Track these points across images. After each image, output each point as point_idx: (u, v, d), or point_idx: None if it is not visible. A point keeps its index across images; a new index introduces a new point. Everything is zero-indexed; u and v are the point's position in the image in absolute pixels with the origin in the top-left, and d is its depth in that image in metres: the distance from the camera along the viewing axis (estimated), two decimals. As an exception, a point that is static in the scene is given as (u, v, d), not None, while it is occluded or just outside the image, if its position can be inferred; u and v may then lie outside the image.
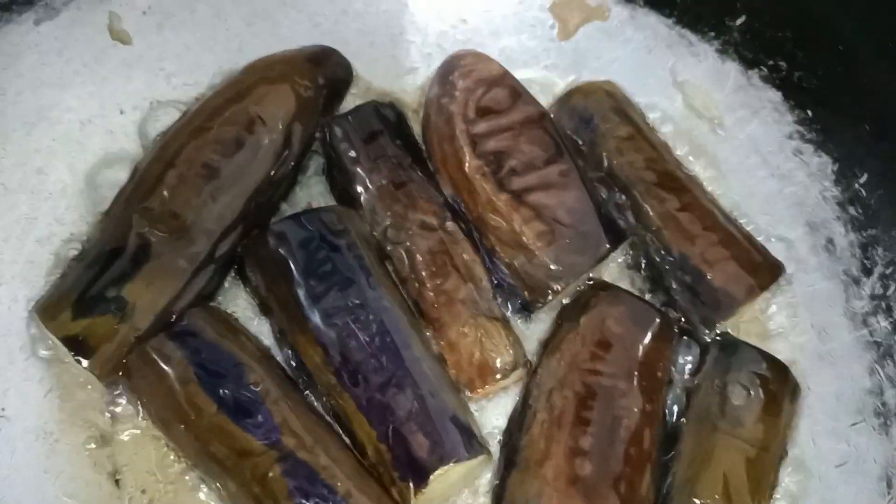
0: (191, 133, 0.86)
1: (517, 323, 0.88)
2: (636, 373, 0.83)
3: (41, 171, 0.87)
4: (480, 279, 0.87)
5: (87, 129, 0.90)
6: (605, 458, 0.79)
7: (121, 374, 0.80)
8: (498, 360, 0.84)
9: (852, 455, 0.86)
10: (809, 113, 0.94)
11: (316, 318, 0.80)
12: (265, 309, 0.86)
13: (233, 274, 0.87)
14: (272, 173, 0.86)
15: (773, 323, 0.91)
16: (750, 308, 0.89)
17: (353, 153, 0.89)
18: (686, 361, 0.88)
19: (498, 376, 0.84)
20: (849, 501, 0.85)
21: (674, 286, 0.88)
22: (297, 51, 0.93)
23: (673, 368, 0.87)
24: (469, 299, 0.85)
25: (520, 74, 0.94)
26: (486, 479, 0.83)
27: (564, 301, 0.89)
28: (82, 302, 0.79)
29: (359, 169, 0.88)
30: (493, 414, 0.86)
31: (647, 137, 0.93)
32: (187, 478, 0.81)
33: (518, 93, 0.92)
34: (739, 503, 0.79)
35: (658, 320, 0.86)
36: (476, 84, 0.91)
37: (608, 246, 0.87)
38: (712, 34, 0.97)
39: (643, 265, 0.91)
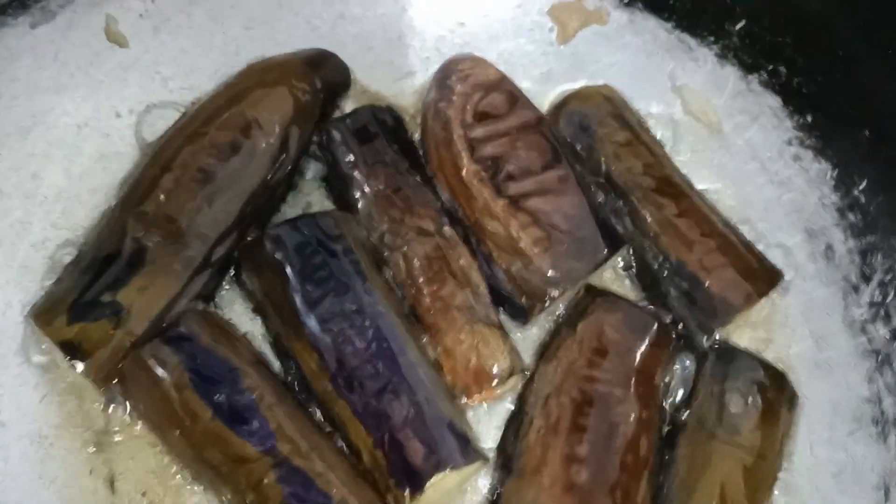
0: (187, 137, 0.86)
1: (514, 329, 0.88)
2: (633, 380, 0.83)
3: (36, 176, 0.87)
4: (477, 285, 0.87)
5: (82, 132, 0.89)
6: (602, 465, 0.79)
7: (116, 379, 0.79)
8: (494, 367, 0.83)
9: (849, 464, 0.86)
10: (809, 119, 0.94)
11: (312, 323, 0.80)
12: (261, 314, 0.86)
13: (229, 278, 0.87)
14: (269, 177, 0.86)
15: (771, 330, 0.90)
16: (748, 315, 0.89)
17: (350, 157, 0.88)
18: (683, 369, 0.88)
19: (494, 383, 0.83)
20: (846, 510, 0.85)
21: (671, 293, 0.88)
22: (294, 54, 0.93)
23: (670, 376, 0.86)
24: (465, 305, 0.85)
25: (518, 79, 0.93)
26: (482, 486, 0.83)
27: (561, 307, 0.88)
28: (77, 307, 0.79)
29: (356, 173, 0.88)
30: (489, 421, 0.85)
31: (645, 143, 0.93)
32: (184, 483, 0.80)
33: (516, 97, 0.91)
34: (736, 511, 0.79)
35: (655, 327, 0.85)
36: (474, 88, 0.91)
37: (606, 252, 0.87)
38: (712, 39, 0.97)
39: (640, 271, 0.90)
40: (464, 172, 0.88)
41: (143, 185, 0.84)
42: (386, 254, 0.87)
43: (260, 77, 0.90)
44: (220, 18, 0.95)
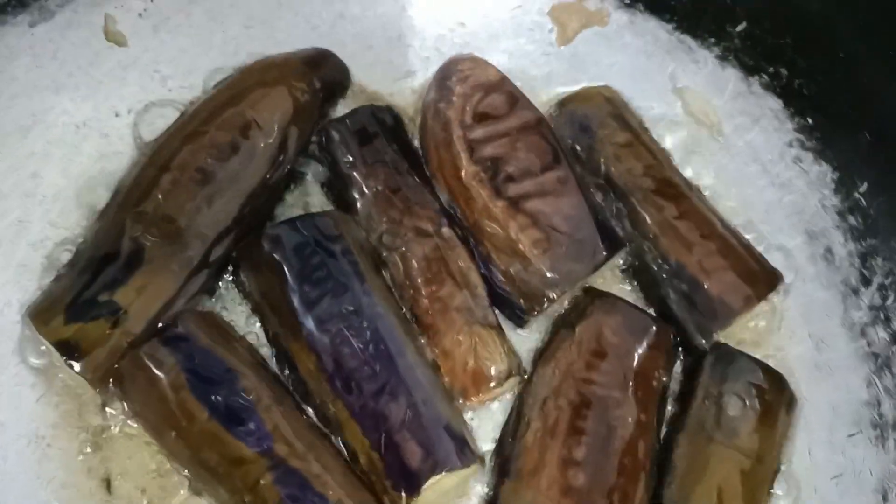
0: (185, 137, 0.85)
1: (512, 331, 0.88)
2: (631, 382, 0.82)
3: (35, 175, 0.87)
4: (476, 286, 0.87)
5: (81, 132, 0.89)
6: (599, 468, 0.79)
7: (113, 379, 0.79)
8: (492, 369, 0.83)
9: (848, 467, 0.86)
10: (810, 121, 0.94)
11: (309, 324, 0.80)
12: (259, 314, 0.85)
13: (227, 279, 0.87)
14: (267, 177, 0.86)
15: (771, 332, 0.90)
16: (747, 317, 0.89)
17: (349, 158, 0.88)
18: (682, 371, 0.88)
19: (492, 384, 0.83)
20: (844, 514, 0.85)
21: (671, 295, 0.88)
22: (294, 54, 0.93)
23: (668, 378, 0.86)
24: (464, 307, 0.85)
25: (518, 79, 0.93)
26: (479, 488, 0.83)
27: (560, 309, 0.88)
28: (75, 307, 0.78)
29: (355, 173, 0.88)
30: (486, 422, 0.85)
31: (645, 144, 0.92)
32: (183, 483, 0.80)
33: (516, 98, 0.91)
34: (734, 515, 0.79)
35: (654, 329, 0.85)
36: (473, 89, 0.91)
37: (605, 254, 0.87)
38: (712, 40, 0.97)
39: (640, 273, 0.90)
40: (463, 173, 0.88)
41: (141, 184, 0.84)
42: (385, 254, 0.86)
43: (259, 77, 0.89)
44: (220, 17, 0.95)
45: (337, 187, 0.89)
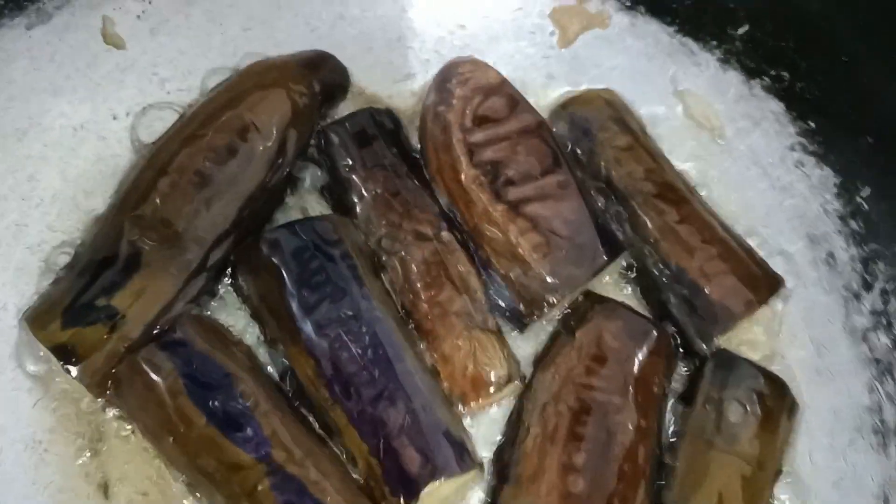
0: (184, 140, 0.85)
1: (512, 335, 0.87)
2: (631, 388, 0.82)
3: (32, 178, 0.87)
4: (475, 291, 0.86)
5: (79, 135, 0.89)
6: (599, 474, 0.78)
7: (110, 384, 0.79)
8: (492, 374, 0.83)
9: (849, 473, 0.85)
10: (812, 124, 0.93)
11: (308, 329, 0.79)
12: (257, 318, 0.85)
13: (226, 283, 0.86)
14: (266, 181, 0.85)
15: (772, 337, 0.89)
16: (748, 322, 0.88)
17: (348, 161, 0.88)
18: (682, 376, 0.87)
19: (492, 390, 0.83)
20: (845, 520, 0.85)
21: (671, 299, 0.87)
22: (293, 56, 0.92)
23: (669, 384, 0.86)
24: (463, 311, 0.84)
25: (518, 82, 0.93)
26: (478, 494, 0.82)
27: (560, 314, 0.88)
28: (72, 311, 0.78)
29: (354, 177, 0.87)
30: (486, 428, 0.84)
31: (646, 147, 0.92)
32: (181, 489, 0.80)
33: (516, 101, 0.91)
34: (734, 522, 0.78)
35: (655, 334, 0.85)
36: (473, 92, 0.90)
37: (605, 258, 0.86)
38: (714, 43, 0.96)
39: (640, 278, 0.90)
40: (463, 177, 0.87)
41: (139, 188, 0.83)
42: (384, 258, 0.86)
43: (258, 79, 0.89)
44: (218, 19, 0.94)
45: (336, 191, 0.89)
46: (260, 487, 0.74)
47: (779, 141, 0.95)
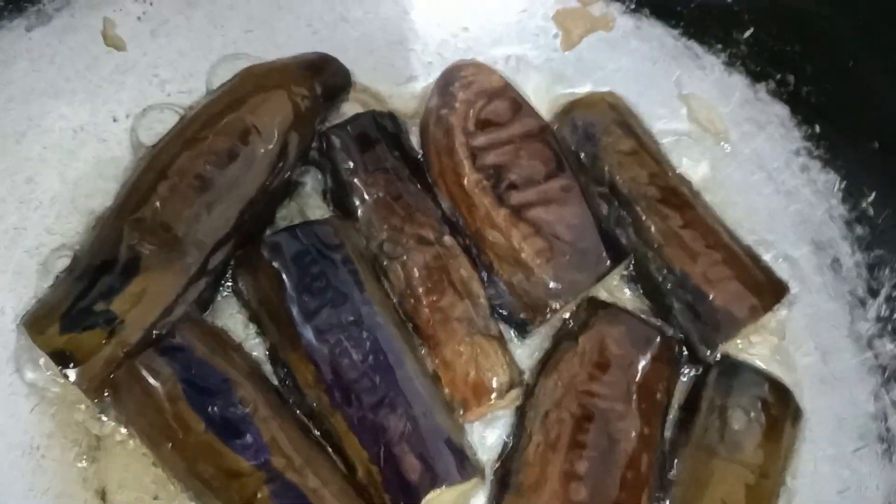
0: (184, 143, 0.84)
1: (514, 341, 0.87)
2: (635, 395, 0.81)
3: (31, 181, 0.86)
4: (477, 296, 0.85)
5: (79, 137, 0.88)
6: (602, 482, 0.78)
7: (109, 389, 0.78)
8: (494, 380, 0.82)
9: (854, 481, 0.85)
10: (817, 129, 0.92)
11: (308, 334, 0.79)
12: (257, 324, 0.84)
13: (226, 287, 0.86)
14: (267, 184, 0.85)
15: (776, 344, 0.89)
16: (752, 328, 0.88)
17: (350, 164, 0.87)
18: (686, 383, 0.86)
19: (493, 396, 0.82)
20: (850, 529, 0.84)
21: (675, 305, 0.86)
22: (294, 58, 0.91)
23: (672, 390, 0.85)
24: (465, 317, 0.84)
25: (521, 85, 0.92)
26: (480, 502, 0.82)
27: (563, 320, 0.87)
28: (71, 316, 0.77)
29: (356, 180, 0.87)
30: (487, 435, 0.84)
31: (650, 152, 0.91)
32: (179, 495, 0.79)
33: (519, 105, 0.90)
34: (738, 530, 0.78)
35: (658, 341, 0.84)
36: (477, 95, 0.89)
37: (609, 263, 0.85)
38: (719, 46, 0.96)
39: (644, 283, 0.89)
40: (465, 181, 0.87)
41: (139, 191, 0.83)
42: (385, 263, 0.85)
43: (259, 81, 0.88)
44: (219, 21, 0.93)
45: (337, 194, 0.88)
46: (259, 495, 0.73)
47: (784, 145, 0.94)
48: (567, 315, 0.87)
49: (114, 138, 0.89)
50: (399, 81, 0.96)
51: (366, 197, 0.86)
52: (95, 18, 0.89)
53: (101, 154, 0.88)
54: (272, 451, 0.75)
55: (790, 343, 0.89)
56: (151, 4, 0.91)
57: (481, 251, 0.87)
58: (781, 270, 0.89)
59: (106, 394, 0.79)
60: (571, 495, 0.77)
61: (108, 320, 0.77)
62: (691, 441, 0.82)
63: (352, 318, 0.79)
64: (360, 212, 0.86)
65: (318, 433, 0.81)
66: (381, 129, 0.89)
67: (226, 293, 0.86)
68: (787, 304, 0.89)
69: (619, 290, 0.90)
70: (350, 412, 0.77)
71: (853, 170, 0.91)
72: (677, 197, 0.89)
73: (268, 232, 0.86)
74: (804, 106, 0.93)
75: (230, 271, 0.85)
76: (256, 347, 0.84)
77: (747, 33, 0.94)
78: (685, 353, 0.87)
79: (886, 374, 0.87)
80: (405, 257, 0.85)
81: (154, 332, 0.79)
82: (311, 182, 0.90)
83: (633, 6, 0.97)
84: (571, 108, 0.94)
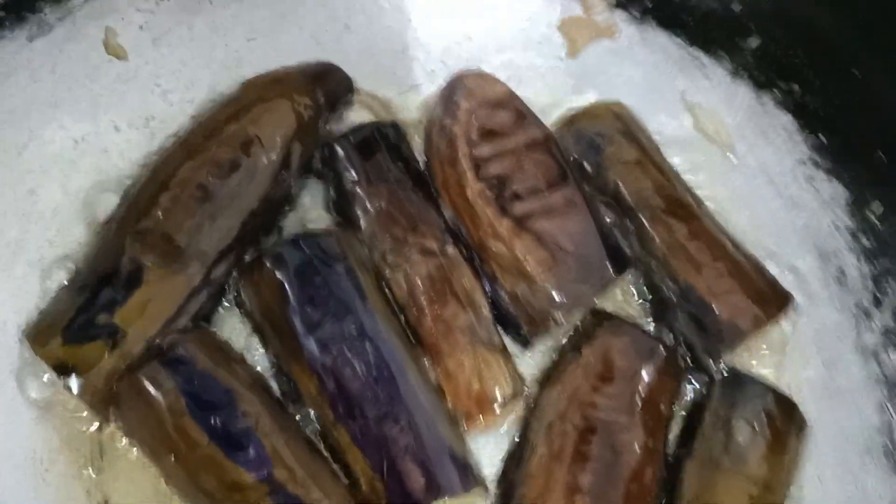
0: (186, 153, 0.84)
1: (517, 352, 0.86)
2: (639, 407, 0.81)
3: (33, 192, 0.85)
4: (480, 307, 0.85)
5: (80, 147, 0.88)
6: (605, 495, 0.78)
7: (112, 401, 0.78)
8: (497, 392, 0.82)
9: (859, 495, 0.84)
10: (823, 139, 0.92)
11: (311, 345, 0.79)
12: (260, 335, 0.84)
13: (228, 298, 0.85)
14: (269, 195, 0.84)
15: (781, 356, 0.88)
16: (757, 340, 0.87)
17: (353, 174, 0.87)
18: (690, 395, 0.86)
19: (496, 408, 0.82)
20: (855, 542, 0.84)
21: (679, 316, 0.86)
22: (297, 67, 0.91)
23: (676, 403, 0.84)
24: (468, 327, 0.83)
25: (525, 93, 0.91)
26: (483, 515, 0.82)
27: (566, 330, 0.87)
28: (73, 328, 0.77)
29: (359, 190, 0.86)
30: (490, 447, 0.84)
31: (655, 162, 0.91)
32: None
33: (523, 115, 0.89)
34: (742, 544, 0.77)
35: (662, 352, 0.84)
36: (480, 105, 0.89)
37: (612, 275, 0.85)
38: (725, 56, 0.95)
39: (648, 294, 0.89)
40: (468, 191, 0.86)
41: (141, 202, 0.82)
42: (388, 273, 0.85)
43: (261, 91, 0.88)
44: (222, 30, 0.93)
45: (340, 204, 0.88)
46: (261, 508, 0.73)
47: (789, 155, 0.93)
48: (570, 326, 0.86)
49: (115, 148, 0.88)
50: (402, 90, 0.95)
51: (368, 207, 0.86)
52: (97, 28, 0.89)
53: (103, 164, 0.88)
54: (275, 464, 0.75)
55: (795, 355, 0.88)
56: (153, 13, 0.91)
57: (484, 262, 0.86)
58: (786, 281, 0.89)
59: (109, 406, 0.78)
60: (575, 509, 0.76)
61: (111, 332, 0.77)
62: (695, 454, 0.82)
63: (354, 330, 0.79)
64: (362, 222, 0.86)
65: (321, 445, 0.80)
66: (385, 139, 0.89)
67: (228, 305, 0.85)
68: (792, 315, 0.88)
69: (622, 302, 0.89)
70: (353, 424, 0.77)
71: (859, 180, 0.90)
72: (682, 207, 0.89)
73: (270, 242, 0.86)
74: (810, 116, 0.92)
75: (232, 282, 0.84)
76: (259, 359, 0.84)
77: (753, 43, 0.93)
78: (689, 364, 0.86)
79: (892, 387, 0.86)
80: (408, 268, 0.85)
81: (157, 344, 0.79)
82: (314, 192, 0.89)
83: (638, 15, 0.96)
84: (576, 118, 0.93)
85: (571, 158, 0.90)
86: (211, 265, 0.82)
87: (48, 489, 0.79)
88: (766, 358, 0.88)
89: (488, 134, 0.88)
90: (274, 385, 0.83)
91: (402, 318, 0.84)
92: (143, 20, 0.90)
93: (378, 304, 0.82)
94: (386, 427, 0.76)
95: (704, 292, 0.85)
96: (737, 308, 0.85)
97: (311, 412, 0.80)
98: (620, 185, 0.89)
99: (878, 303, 0.89)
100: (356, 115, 0.92)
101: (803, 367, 0.88)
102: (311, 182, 0.89)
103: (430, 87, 0.95)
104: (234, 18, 0.93)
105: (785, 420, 0.83)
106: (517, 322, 0.86)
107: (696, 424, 0.84)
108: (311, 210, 0.89)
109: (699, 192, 0.92)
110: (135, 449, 0.80)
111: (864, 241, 0.90)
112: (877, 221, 0.89)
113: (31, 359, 0.79)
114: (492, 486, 0.81)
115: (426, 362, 0.83)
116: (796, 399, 0.85)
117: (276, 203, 0.86)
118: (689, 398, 0.86)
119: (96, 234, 0.85)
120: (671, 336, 0.87)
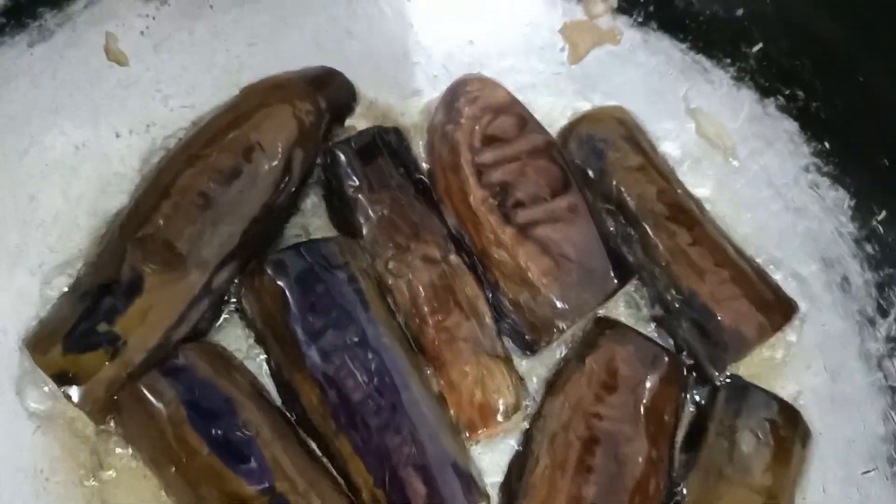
0: (187, 160, 0.84)
1: (520, 361, 0.86)
2: (643, 417, 0.81)
3: (33, 199, 0.85)
4: (483, 315, 0.85)
5: (81, 153, 0.87)
6: (609, 506, 0.77)
7: (112, 411, 0.78)
8: (500, 402, 0.82)
9: (863, 504, 0.84)
10: (826, 145, 0.91)
11: (313, 355, 0.78)
12: (261, 343, 0.84)
13: (230, 306, 0.85)
14: (271, 202, 0.84)
15: (785, 364, 0.88)
16: (761, 348, 0.87)
17: (354, 181, 0.86)
18: (694, 404, 0.86)
19: (499, 418, 0.81)
20: (859, 551, 0.83)
21: (683, 325, 0.86)
22: (298, 73, 0.90)
23: (681, 412, 0.84)
24: (471, 337, 0.83)
25: (527, 99, 0.91)
26: (485, 525, 0.81)
27: (570, 339, 0.86)
28: (73, 336, 0.77)
29: (360, 197, 0.86)
30: (493, 457, 0.83)
31: (658, 168, 0.90)
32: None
33: (525, 120, 0.89)
34: (746, 555, 0.77)
35: (666, 361, 0.83)
36: (482, 111, 0.89)
37: (616, 283, 0.85)
38: (728, 60, 0.94)
39: (651, 302, 0.88)
40: (471, 198, 0.86)
41: (141, 209, 0.82)
42: (390, 281, 0.84)
43: (263, 97, 0.87)
44: (223, 35, 0.92)
45: (342, 211, 0.87)
46: (262, 518, 0.73)
47: (793, 161, 0.93)
48: (574, 334, 0.86)
49: (116, 154, 0.88)
50: (404, 95, 0.95)
51: (371, 214, 0.85)
52: (97, 33, 0.88)
53: (104, 171, 0.87)
54: (276, 475, 0.74)
55: (799, 363, 0.88)
56: (154, 19, 0.90)
57: (487, 270, 0.86)
58: (790, 289, 0.89)
59: (109, 415, 0.78)
60: (578, 519, 0.76)
61: (111, 341, 0.77)
62: (700, 463, 0.82)
63: (357, 339, 0.79)
64: (364, 229, 0.85)
65: (323, 455, 0.80)
66: (386, 145, 0.88)
67: (229, 313, 0.85)
68: (797, 323, 0.88)
69: (626, 310, 0.89)
70: (355, 435, 0.77)
71: (863, 187, 0.90)
72: (685, 214, 0.88)
73: (272, 250, 0.85)
74: (813, 122, 0.92)
75: (234, 290, 0.84)
76: (260, 368, 0.84)
77: (756, 48, 0.93)
78: (693, 373, 0.86)
79: (896, 395, 0.86)
80: (410, 276, 0.84)
81: (157, 352, 0.78)
82: (316, 199, 0.89)
83: (640, 19, 0.96)
84: (578, 123, 0.93)
85: (574, 164, 0.90)
86: (212, 273, 0.81)
87: (49, 498, 0.79)
88: (769, 366, 0.88)
89: (491, 140, 0.87)
90: (275, 394, 0.82)
91: (405, 326, 0.84)
92: (143, 26, 0.90)
93: (380, 313, 0.81)
94: (388, 437, 0.76)
95: (708, 299, 0.85)
96: (740, 314, 0.84)
97: (313, 422, 0.79)
98: (623, 190, 0.89)
99: (882, 310, 0.88)
100: (358, 123, 0.92)
101: (807, 376, 0.88)
102: (313, 188, 0.88)
103: (431, 92, 0.94)
104: (235, 24, 0.93)
105: (789, 429, 0.83)
106: (520, 330, 0.85)
107: (701, 434, 0.83)
108: (313, 217, 0.89)
109: (701, 198, 0.92)
110: (135, 458, 0.79)
111: (868, 248, 0.89)
112: (880, 228, 0.89)
113: (31, 368, 0.78)
114: (494, 498, 0.81)
115: (428, 371, 0.83)
116: (800, 407, 0.84)
117: (279, 210, 0.85)
118: (692, 408, 0.86)
119: (97, 241, 0.84)
120: (675, 344, 0.86)
